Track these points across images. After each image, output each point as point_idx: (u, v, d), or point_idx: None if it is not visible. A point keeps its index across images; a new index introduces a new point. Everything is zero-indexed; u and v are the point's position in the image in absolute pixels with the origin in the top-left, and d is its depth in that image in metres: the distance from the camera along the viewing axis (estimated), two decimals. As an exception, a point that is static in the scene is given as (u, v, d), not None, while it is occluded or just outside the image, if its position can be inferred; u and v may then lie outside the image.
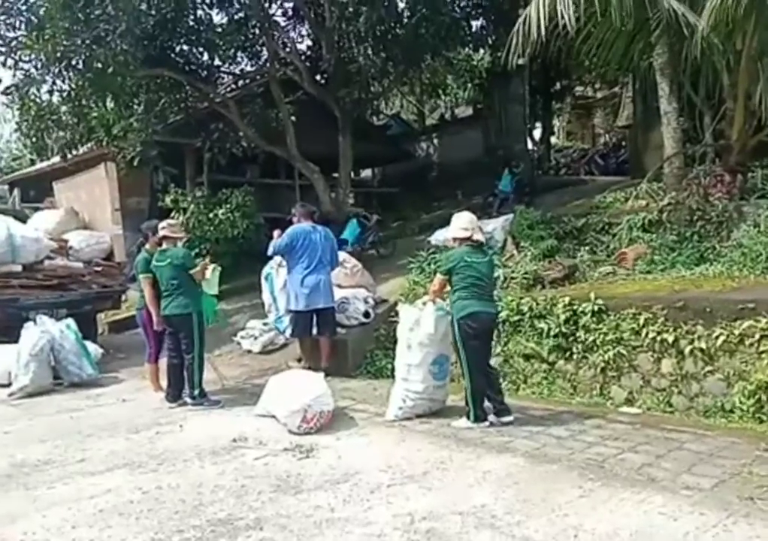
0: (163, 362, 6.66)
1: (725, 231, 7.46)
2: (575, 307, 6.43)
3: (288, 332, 7.50)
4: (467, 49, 15.96)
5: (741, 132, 8.30)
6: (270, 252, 7.26)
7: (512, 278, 7.34)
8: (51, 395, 7.02)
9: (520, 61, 16.08)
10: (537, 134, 20.14)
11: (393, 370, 7.22)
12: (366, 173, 18.96)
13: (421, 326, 5.28)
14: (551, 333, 6.55)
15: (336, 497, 3.91)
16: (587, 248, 7.98)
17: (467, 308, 5.13)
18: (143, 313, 6.56)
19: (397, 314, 7.95)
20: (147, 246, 6.59)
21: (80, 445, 5.21)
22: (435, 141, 18.85)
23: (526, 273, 7.27)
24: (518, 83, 15.75)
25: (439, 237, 9.63)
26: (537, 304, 6.72)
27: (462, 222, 5.36)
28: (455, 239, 5.41)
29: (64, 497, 4.14)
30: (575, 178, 16.49)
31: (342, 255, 8.24)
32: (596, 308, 6.28)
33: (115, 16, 9.02)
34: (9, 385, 7.18)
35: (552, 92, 19.51)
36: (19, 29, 9.75)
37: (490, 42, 15.14)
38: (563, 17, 7.30)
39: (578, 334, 6.41)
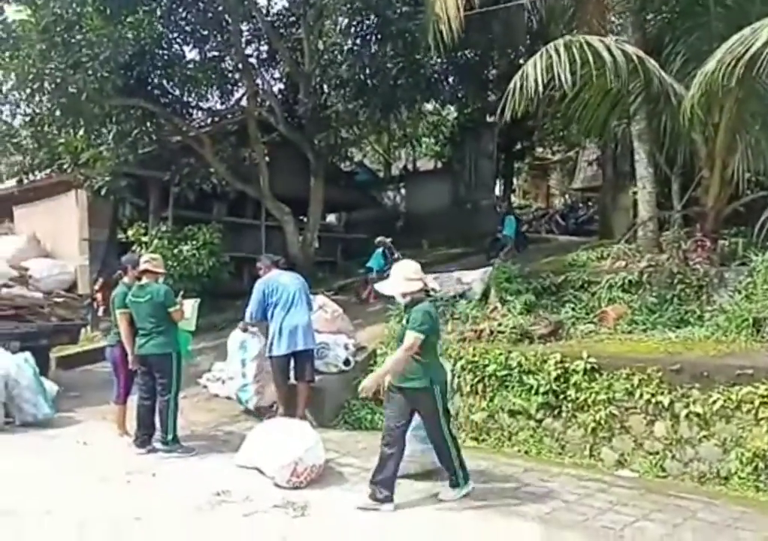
0: (131, 403, 6.21)
1: (705, 296, 7.54)
2: (566, 365, 6.30)
3: (252, 404, 7.08)
4: (437, 103, 16.30)
5: (716, 200, 8.54)
6: (248, 317, 6.91)
7: (500, 331, 7.21)
8: (1, 435, 6.41)
9: (490, 119, 16.62)
10: (497, 191, 20.51)
11: (371, 421, 7.06)
12: (330, 218, 18.86)
13: None
14: (541, 389, 6.39)
15: (343, 562, 3.60)
16: (571, 305, 7.94)
17: (446, 371, 4.81)
18: (115, 350, 6.11)
19: (376, 363, 7.79)
20: (126, 280, 6.19)
21: (44, 494, 4.71)
22: (402, 191, 18.96)
23: (514, 327, 7.15)
24: (488, 139, 16.07)
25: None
26: (527, 360, 6.58)
27: (409, 272, 4.63)
28: (404, 294, 4.61)
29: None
30: (537, 236, 16.73)
31: (322, 300, 8.00)
32: (588, 366, 6.16)
33: (97, 42, 8.76)
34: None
35: (514, 151, 19.99)
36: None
37: (460, 98, 15.52)
38: (558, 77, 7.42)
39: (568, 392, 6.26)
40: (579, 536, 3.92)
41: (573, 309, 8.06)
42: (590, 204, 19.95)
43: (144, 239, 11.45)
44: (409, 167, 22.27)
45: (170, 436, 5.71)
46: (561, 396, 6.32)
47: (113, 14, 9.00)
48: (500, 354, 6.79)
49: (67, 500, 4.59)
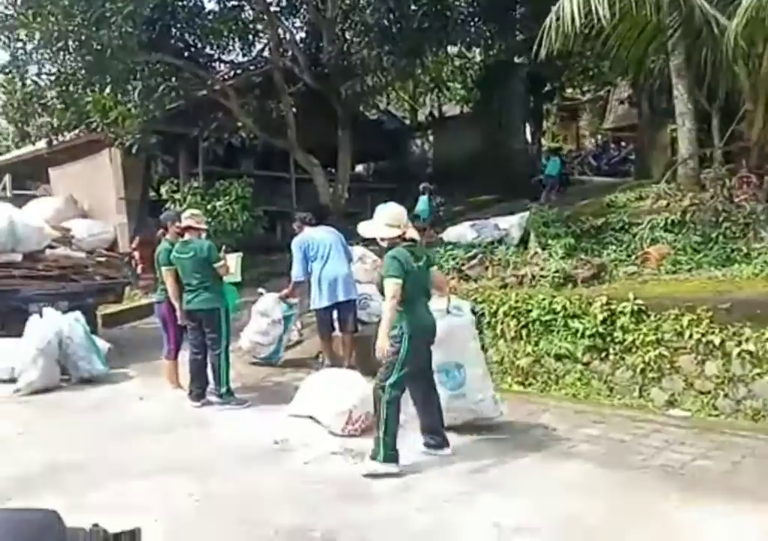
0: (181, 358, 6.33)
1: (752, 233, 7.38)
2: (612, 307, 6.26)
3: (281, 361, 7.42)
4: (462, 46, 15.81)
5: (761, 134, 8.26)
6: (297, 275, 6.89)
7: (542, 276, 7.15)
8: (59, 392, 6.60)
9: (518, 60, 16.12)
10: (528, 134, 20.07)
11: (416, 369, 7.12)
12: (358, 168, 18.70)
13: None
14: (587, 333, 6.37)
15: (409, 505, 3.66)
16: (613, 247, 7.83)
17: (426, 318, 4.39)
18: (162, 307, 6.19)
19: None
20: (168, 237, 6.22)
21: (109, 447, 4.86)
22: (430, 138, 18.63)
23: (556, 271, 7.08)
24: (517, 81, 15.63)
25: (451, 233, 9.43)
26: (571, 303, 6.54)
27: (388, 217, 4.37)
28: (382, 239, 4.42)
29: (110, 505, 3.79)
30: (571, 178, 16.43)
31: (361, 250, 7.99)
32: (635, 308, 6.11)
33: (121, -4, 8.60)
34: (11, 380, 6.74)
35: (543, 93, 19.45)
36: (15, 6, 9.24)
37: (486, 39, 15.02)
38: (596, 11, 7.14)
39: (615, 335, 6.23)
40: (639, 475, 3.94)
41: (615, 251, 7.98)
42: (622, 144, 19.49)
43: (176, 196, 11.47)
44: (435, 113, 21.85)
45: (224, 389, 5.82)
46: (608, 338, 6.29)
47: (133, -34, 8.81)
48: (544, 299, 6.75)
49: (132, 452, 4.73)
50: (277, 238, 13.36)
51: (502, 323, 7.06)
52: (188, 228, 5.92)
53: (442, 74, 17.88)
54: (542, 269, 7.27)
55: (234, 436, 5.06)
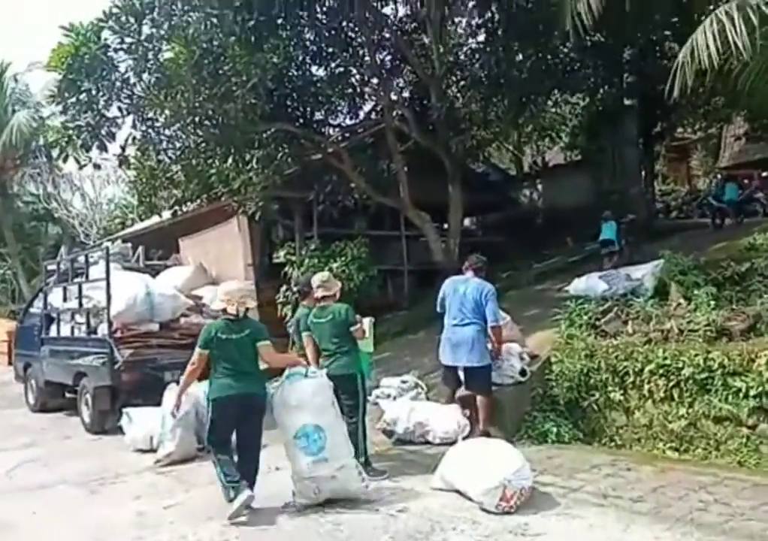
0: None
1: None
2: (780, 363, 5.66)
3: None
4: (567, 92, 15.57)
5: None
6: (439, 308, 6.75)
7: (691, 330, 6.61)
8: (197, 462, 6.59)
9: (628, 102, 15.69)
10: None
11: (558, 434, 6.67)
12: (465, 222, 18.59)
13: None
14: (751, 392, 5.78)
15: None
16: (767, 296, 7.15)
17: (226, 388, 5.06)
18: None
19: (552, 372, 7.37)
20: (305, 302, 6.22)
21: (257, 522, 4.74)
22: (539, 187, 18.32)
23: (708, 324, 6.53)
24: (629, 123, 15.17)
25: (579, 286, 8.99)
26: (730, 359, 5.98)
27: (221, 293, 5.23)
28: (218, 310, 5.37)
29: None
30: (690, 221, 15.62)
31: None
32: (809, 364, 5.50)
33: (245, 70, 8.99)
34: (150, 450, 6.85)
35: (653, 134, 18.80)
36: (150, 88, 9.84)
37: (593, 84, 14.77)
38: (733, 44, 6.74)
39: (786, 394, 5.61)
40: None
41: (768, 300, 7.30)
42: (745, 181, 18.39)
43: (293, 258, 11.68)
44: (539, 161, 21.56)
45: (362, 459, 5.59)
46: (778, 398, 5.68)
47: (255, 41, 9.22)
48: (697, 355, 6.21)
49: (284, 527, 4.60)
50: (389, 297, 13.32)
51: (649, 382, 6.56)
52: (324, 297, 5.89)
53: (546, 122, 17.65)
54: (689, 322, 6.72)
55: (379, 510, 4.81)
